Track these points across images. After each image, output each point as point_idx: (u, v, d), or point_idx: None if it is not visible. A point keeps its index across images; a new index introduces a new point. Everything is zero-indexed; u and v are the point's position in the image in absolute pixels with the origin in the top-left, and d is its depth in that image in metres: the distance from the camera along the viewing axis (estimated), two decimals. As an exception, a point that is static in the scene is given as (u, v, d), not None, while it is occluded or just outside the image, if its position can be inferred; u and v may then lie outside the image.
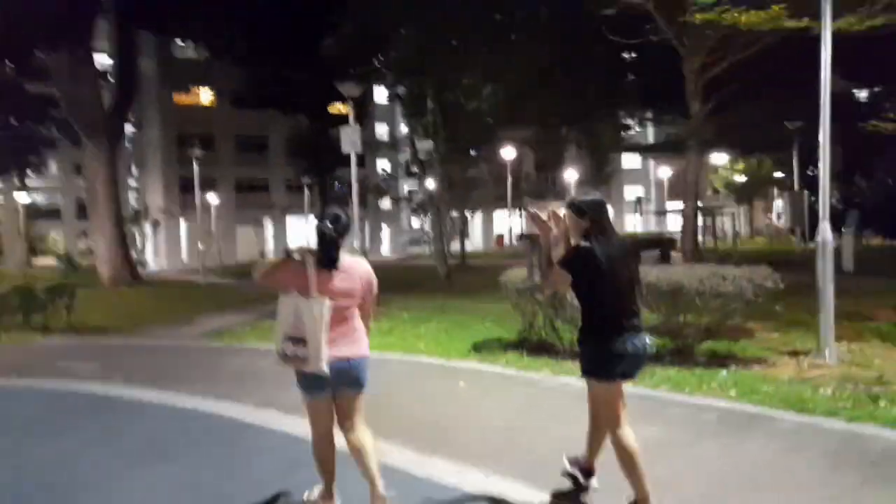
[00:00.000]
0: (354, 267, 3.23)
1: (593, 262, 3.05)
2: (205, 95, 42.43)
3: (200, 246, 19.22)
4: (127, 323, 11.72)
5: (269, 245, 42.18)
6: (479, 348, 7.47)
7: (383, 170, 45.90)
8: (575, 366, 3.56)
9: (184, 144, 40.42)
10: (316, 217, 3.32)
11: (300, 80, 34.99)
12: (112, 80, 19.60)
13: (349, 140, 11.79)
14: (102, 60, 28.30)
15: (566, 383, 5.58)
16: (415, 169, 25.74)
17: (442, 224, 16.96)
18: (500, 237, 45.34)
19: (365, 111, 43.21)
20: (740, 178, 44.22)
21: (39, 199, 46.42)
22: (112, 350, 8.71)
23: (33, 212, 43.12)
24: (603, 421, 3.24)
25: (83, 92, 15.18)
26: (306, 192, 37.84)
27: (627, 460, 3.08)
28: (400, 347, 7.82)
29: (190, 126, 39.15)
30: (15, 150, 37.31)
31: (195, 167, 18.89)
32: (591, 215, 3.12)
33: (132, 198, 46.61)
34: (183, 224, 38.84)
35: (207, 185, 37.54)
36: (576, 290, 3.21)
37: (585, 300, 3.19)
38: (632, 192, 50.86)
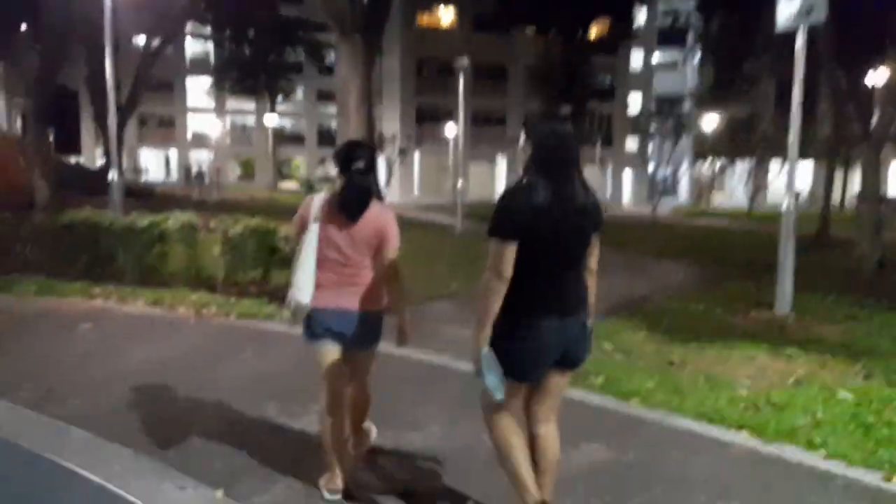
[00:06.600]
0: (371, 215, 2.77)
1: None
2: (445, 17, 39.35)
3: (459, 184, 15.26)
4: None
5: (501, 183, 38.80)
6: None
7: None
8: None
9: (422, 71, 38.01)
10: (337, 154, 2.74)
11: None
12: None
13: (792, 7, 5.90)
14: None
15: None
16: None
17: (872, 177, 10.70)
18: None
19: (626, 32, 36.82)
20: None
21: (286, 124, 48.36)
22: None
23: (280, 136, 44.78)
24: None
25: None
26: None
27: None
28: None
29: (429, 52, 36.58)
30: (268, 74, 38.26)
31: (460, 83, 15.09)
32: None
33: (368, 127, 46.20)
34: (417, 156, 36.94)
35: (444, 115, 34.63)
36: None
37: None
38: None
